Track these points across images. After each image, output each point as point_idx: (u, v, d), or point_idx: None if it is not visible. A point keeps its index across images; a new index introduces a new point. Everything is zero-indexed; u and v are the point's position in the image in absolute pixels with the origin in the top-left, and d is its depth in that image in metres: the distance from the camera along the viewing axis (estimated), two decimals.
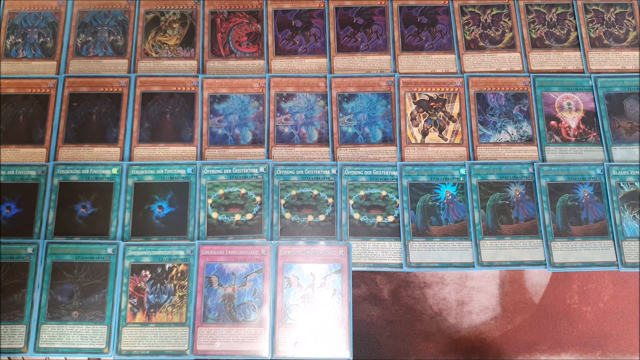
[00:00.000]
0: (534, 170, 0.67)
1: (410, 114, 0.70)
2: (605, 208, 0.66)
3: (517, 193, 0.66)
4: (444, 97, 0.70)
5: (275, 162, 0.67)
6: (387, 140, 0.69)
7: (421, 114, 0.70)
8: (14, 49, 0.73)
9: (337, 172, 0.67)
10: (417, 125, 0.69)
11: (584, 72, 0.72)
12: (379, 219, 0.65)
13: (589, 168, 0.67)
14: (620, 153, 0.68)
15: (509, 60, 0.72)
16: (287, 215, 0.66)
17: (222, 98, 0.71)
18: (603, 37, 0.73)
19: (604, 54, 0.72)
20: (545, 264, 0.64)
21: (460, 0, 0.75)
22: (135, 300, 0.62)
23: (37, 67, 0.72)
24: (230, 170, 0.67)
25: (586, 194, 0.66)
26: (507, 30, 0.74)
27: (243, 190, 0.66)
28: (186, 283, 0.63)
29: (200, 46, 0.73)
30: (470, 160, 0.68)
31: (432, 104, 0.70)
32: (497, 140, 0.69)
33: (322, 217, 0.66)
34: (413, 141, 0.69)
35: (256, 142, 0.69)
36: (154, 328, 0.62)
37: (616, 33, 0.74)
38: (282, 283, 0.63)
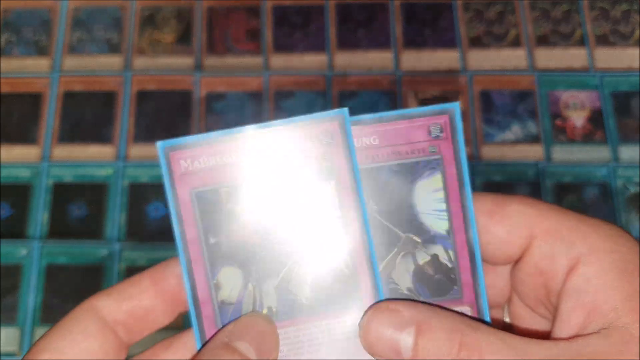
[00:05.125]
0: (539, 171, 0.66)
1: None
2: (611, 209, 0.65)
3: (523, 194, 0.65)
4: (447, 96, 0.69)
5: None
6: None
7: None
8: (8, 47, 0.73)
9: None
10: None
11: (589, 70, 0.71)
12: None
13: (595, 168, 0.66)
14: (627, 153, 0.67)
15: (513, 58, 0.71)
16: None
17: (220, 96, 0.70)
18: (609, 34, 0.73)
19: (610, 52, 0.72)
20: None
21: None
22: None
23: (31, 65, 0.72)
24: None
25: (592, 195, 0.65)
26: (511, 28, 0.73)
27: None
28: None
29: (198, 43, 0.72)
30: (475, 160, 0.67)
31: (435, 102, 0.69)
32: (503, 140, 0.68)
33: None
34: None
35: None
36: None
37: (622, 31, 0.73)
38: None
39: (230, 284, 0.22)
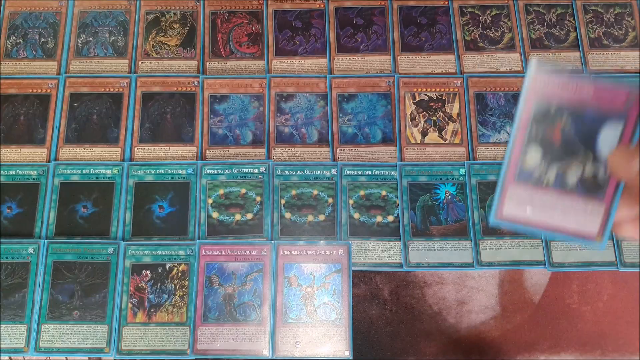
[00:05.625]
0: None
1: (410, 114, 0.70)
2: None
3: None
4: (443, 98, 0.70)
5: (275, 162, 0.67)
6: (387, 140, 0.69)
7: (421, 114, 0.70)
8: (15, 50, 0.74)
9: (337, 172, 0.67)
10: (416, 126, 0.69)
11: (583, 73, 0.72)
12: (379, 218, 0.66)
13: None
14: None
15: (508, 61, 0.72)
16: (287, 215, 0.66)
17: (223, 98, 0.71)
18: (602, 37, 0.73)
19: (604, 54, 0.73)
20: (545, 264, 0.64)
21: (460, 1, 0.75)
22: (136, 300, 0.62)
23: (38, 68, 0.73)
24: (230, 170, 0.67)
25: None
26: (506, 31, 0.74)
27: (243, 190, 0.66)
28: (187, 283, 0.63)
29: (201, 46, 0.73)
30: (469, 160, 0.68)
31: (431, 104, 0.70)
32: (497, 141, 0.69)
33: (322, 217, 0.66)
34: (413, 141, 0.69)
35: (256, 142, 0.69)
36: (155, 327, 0.62)
37: (615, 33, 0.74)
38: (282, 283, 0.63)
39: (533, 157, 0.35)
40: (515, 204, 0.36)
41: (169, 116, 0.70)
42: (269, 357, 0.61)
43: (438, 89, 0.71)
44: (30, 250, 0.64)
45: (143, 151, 0.69)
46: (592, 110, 0.34)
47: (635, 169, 0.32)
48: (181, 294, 0.63)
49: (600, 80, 0.34)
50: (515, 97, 0.71)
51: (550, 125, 0.35)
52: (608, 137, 0.34)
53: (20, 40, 0.74)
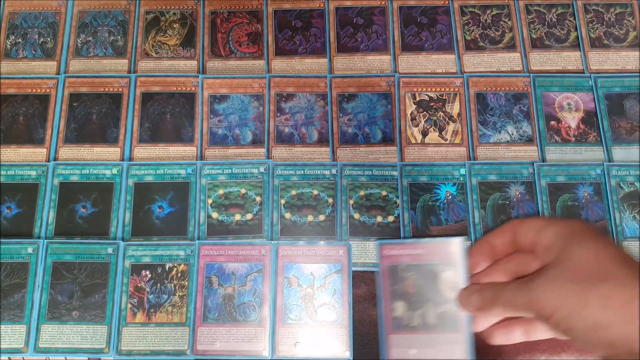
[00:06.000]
0: (533, 170, 0.67)
1: (410, 114, 0.70)
2: (605, 208, 0.66)
3: (517, 193, 0.66)
4: (444, 97, 0.70)
5: (275, 162, 0.67)
6: (387, 140, 0.69)
7: (421, 114, 0.70)
8: (14, 49, 0.74)
9: (337, 172, 0.67)
10: (417, 126, 0.69)
11: (584, 72, 0.72)
12: (379, 219, 0.65)
13: (589, 168, 0.67)
14: (620, 153, 0.68)
15: (509, 61, 0.72)
16: (287, 215, 0.66)
17: (222, 98, 0.71)
18: (603, 37, 0.74)
19: (604, 54, 0.73)
20: None
21: (460, 1, 0.75)
22: (136, 300, 0.62)
23: (37, 67, 0.73)
24: (230, 170, 0.67)
25: (586, 194, 0.66)
26: (507, 31, 0.74)
27: (243, 190, 0.66)
28: (186, 283, 0.63)
29: (201, 46, 0.73)
30: (470, 160, 0.68)
31: (432, 104, 0.70)
32: (497, 141, 0.69)
33: (322, 217, 0.66)
34: (413, 141, 0.69)
35: (256, 142, 0.69)
36: (154, 328, 0.62)
37: (616, 33, 0.74)
38: (282, 283, 0.63)
39: (399, 309, 0.45)
40: (397, 350, 0.45)
41: (168, 116, 0.70)
42: (269, 358, 0.61)
43: (438, 89, 0.71)
44: (30, 250, 0.64)
45: (142, 151, 0.69)
46: (430, 263, 0.43)
47: (476, 301, 0.42)
48: (181, 294, 0.63)
49: (428, 240, 0.47)
50: (515, 97, 0.71)
51: (404, 281, 0.44)
52: (449, 280, 0.43)
53: (20, 40, 0.74)
